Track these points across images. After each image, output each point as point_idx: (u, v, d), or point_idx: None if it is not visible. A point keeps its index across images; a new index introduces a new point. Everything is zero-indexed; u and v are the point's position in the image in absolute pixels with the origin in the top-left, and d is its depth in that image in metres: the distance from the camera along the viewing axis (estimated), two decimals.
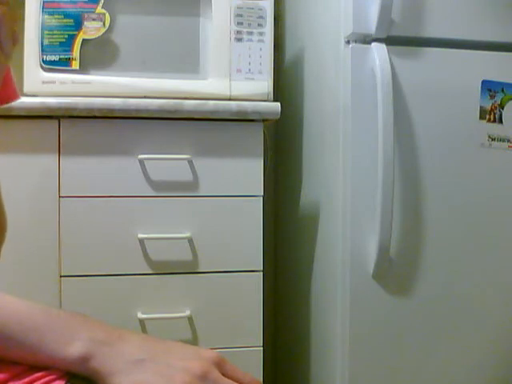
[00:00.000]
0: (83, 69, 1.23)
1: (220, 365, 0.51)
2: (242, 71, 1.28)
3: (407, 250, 1.22)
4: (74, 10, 1.22)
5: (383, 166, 1.14)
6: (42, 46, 1.21)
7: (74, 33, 1.22)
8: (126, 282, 1.23)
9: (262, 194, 1.28)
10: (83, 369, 0.49)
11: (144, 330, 1.23)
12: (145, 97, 1.23)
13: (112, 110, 1.20)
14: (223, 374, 0.50)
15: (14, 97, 0.59)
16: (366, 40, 1.19)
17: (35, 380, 0.49)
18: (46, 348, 0.49)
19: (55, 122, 1.20)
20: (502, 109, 1.23)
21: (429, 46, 1.21)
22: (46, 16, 1.21)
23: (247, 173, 1.27)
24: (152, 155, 1.23)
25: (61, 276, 1.21)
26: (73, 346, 0.49)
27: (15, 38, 0.48)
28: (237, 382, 0.51)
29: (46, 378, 0.49)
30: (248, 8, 1.28)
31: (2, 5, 0.45)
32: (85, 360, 0.49)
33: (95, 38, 1.23)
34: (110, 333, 0.51)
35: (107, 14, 1.23)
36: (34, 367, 0.50)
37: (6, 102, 0.58)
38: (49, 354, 0.49)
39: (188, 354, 0.51)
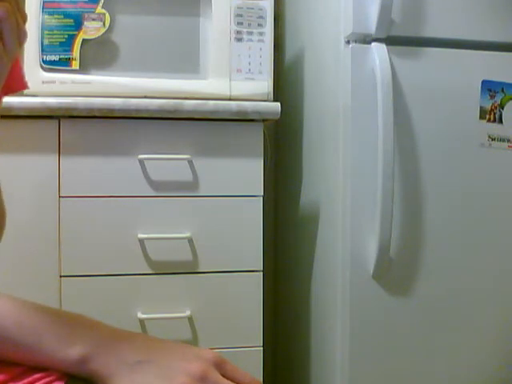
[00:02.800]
0: (83, 69, 1.23)
1: (220, 365, 0.51)
2: (242, 71, 1.28)
3: (407, 250, 1.22)
4: (74, 10, 1.22)
5: (383, 165, 1.14)
6: (42, 45, 1.21)
7: (74, 33, 1.22)
8: (126, 282, 1.23)
9: (262, 194, 1.28)
10: (82, 370, 0.49)
11: (144, 329, 1.23)
12: (145, 97, 1.23)
13: (112, 110, 1.20)
14: (223, 375, 0.50)
15: (22, 87, 0.58)
16: (366, 40, 1.19)
17: (35, 381, 0.49)
18: (45, 349, 0.49)
19: (55, 122, 1.20)
20: (502, 109, 1.23)
21: (429, 46, 1.21)
22: (46, 16, 1.21)
23: (247, 173, 1.27)
24: (152, 155, 1.23)
25: (61, 276, 1.21)
26: (72, 348, 0.49)
27: (21, 36, 0.45)
28: (237, 382, 0.51)
29: (46, 379, 0.49)
30: (248, 8, 1.28)
31: (4, 1, 0.42)
32: (84, 362, 0.49)
33: (95, 38, 1.23)
34: (110, 334, 0.51)
35: (107, 14, 1.23)
36: (33, 368, 0.50)
37: (14, 92, 0.57)
38: (48, 355, 0.49)
39: (188, 355, 0.51)
